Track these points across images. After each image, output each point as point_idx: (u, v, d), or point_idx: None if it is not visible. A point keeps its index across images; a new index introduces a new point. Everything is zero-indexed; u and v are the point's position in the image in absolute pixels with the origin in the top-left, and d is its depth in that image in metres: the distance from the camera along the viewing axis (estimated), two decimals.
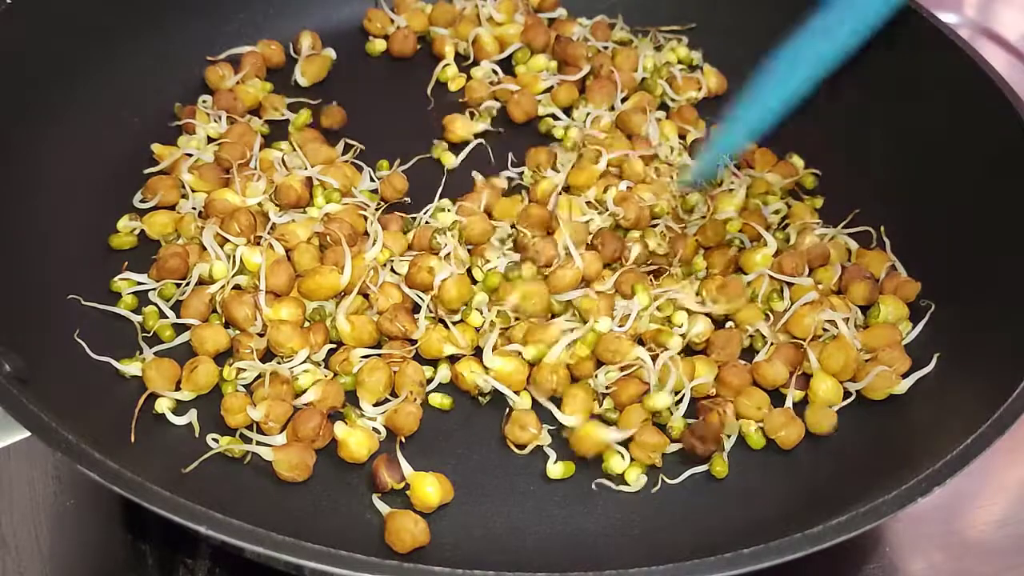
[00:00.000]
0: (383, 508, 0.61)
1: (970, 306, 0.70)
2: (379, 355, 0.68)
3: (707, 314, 0.71)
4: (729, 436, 0.67)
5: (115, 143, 0.80)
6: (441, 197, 0.78)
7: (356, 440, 0.64)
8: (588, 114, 0.86)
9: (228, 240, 0.72)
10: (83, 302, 0.69)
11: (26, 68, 0.75)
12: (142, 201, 0.77)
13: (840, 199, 0.80)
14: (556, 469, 0.65)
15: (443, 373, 0.69)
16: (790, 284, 0.72)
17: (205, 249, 0.72)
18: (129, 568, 0.64)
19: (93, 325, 0.69)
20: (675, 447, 0.66)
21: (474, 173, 0.81)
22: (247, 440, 0.64)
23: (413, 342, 0.69)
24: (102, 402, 0.65)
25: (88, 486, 0.66)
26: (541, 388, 0.67)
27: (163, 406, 0.65)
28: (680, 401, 0.67)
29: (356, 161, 0.81)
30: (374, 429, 0.65)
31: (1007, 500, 0.72)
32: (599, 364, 0.69)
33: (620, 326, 0.69)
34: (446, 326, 0.69)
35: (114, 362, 0.66)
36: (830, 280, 0.73)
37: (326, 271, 0.70)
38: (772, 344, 0.70)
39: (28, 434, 0.54)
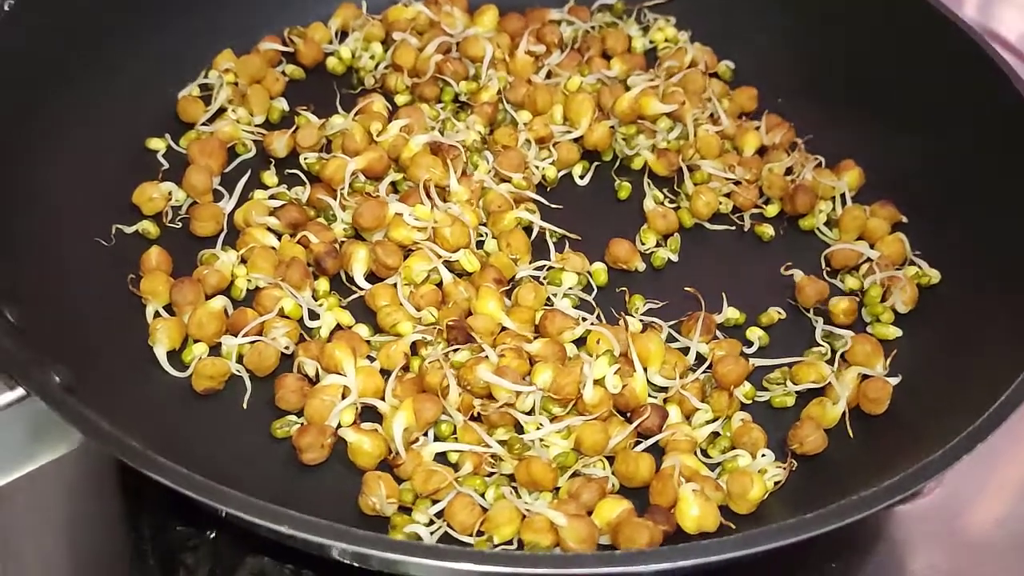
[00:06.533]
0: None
1: (970, 294, 0.71)
2: None
3: None
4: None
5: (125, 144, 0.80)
6: None
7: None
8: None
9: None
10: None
11: (27, 70, 0.75)
12: None
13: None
14: None
15: None
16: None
17: None
18: (129, 568, 0.64)
19: (131, 333, 0.69)
20: None
21: None
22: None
23: None
24: (144, 408, 0.64)
25: (89, 487, 0.66)
26: None
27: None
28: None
29: None
30: None
31: (1007, 500, 0.72)
32: None
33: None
34: None
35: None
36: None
37: None
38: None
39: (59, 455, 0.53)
